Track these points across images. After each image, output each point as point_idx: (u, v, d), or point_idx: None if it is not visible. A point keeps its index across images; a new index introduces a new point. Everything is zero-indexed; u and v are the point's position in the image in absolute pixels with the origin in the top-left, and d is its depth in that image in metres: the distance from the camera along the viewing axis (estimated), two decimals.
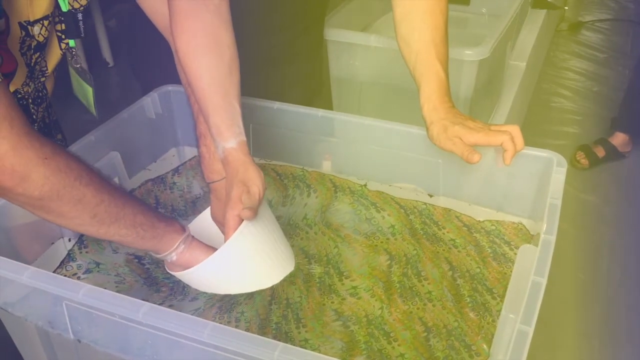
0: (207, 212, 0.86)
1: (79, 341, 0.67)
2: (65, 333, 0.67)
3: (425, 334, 0.76)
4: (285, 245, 0.79)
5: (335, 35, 1.29)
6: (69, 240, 0.85)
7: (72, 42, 0.81)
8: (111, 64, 2.81)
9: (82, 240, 0.85)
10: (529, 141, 0.82)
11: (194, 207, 0.97)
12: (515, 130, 0.81)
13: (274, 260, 0.76)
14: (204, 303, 0.78)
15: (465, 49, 1.13)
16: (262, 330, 0.75)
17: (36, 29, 0.74)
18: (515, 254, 0.84)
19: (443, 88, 0.85)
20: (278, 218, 0.85)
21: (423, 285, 0.82)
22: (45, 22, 0.75)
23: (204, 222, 0.85)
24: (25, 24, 0.72)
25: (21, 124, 0.59)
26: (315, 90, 1.20)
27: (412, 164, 0.92)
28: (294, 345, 0.72)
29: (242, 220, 0.71)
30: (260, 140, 1.05)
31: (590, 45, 2.89)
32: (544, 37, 2.15)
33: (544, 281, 0.63)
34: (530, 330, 0.58)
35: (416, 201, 0.94)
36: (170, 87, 1.01)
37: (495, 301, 0.79)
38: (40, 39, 0.75)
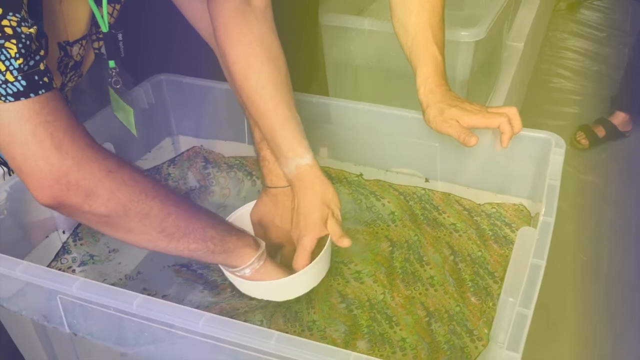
0: (245, 209, 0.84)
1: (75, 334, 0.66)
2: (60, 327, 0.66)
3: (427, 318, 0.76)
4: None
5: (330, 19, 1.28)
6: (63, 232, 0.84)
7: (112, 63, 0.80)
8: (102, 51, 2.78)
9: (76, 232, 0.84)
10: (529, 122, 0.82)
11: (188, 198, 0.96)
12: (512, 112, 0.80)
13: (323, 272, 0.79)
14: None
15: (461, 30, 1.11)
16: (275, 309, 0.76)
17: (75, 49, 0.73)
18: (517, 235, 0.83)
19: (440, 71, 0.84)
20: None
21: (425, 270, 0.81)
22: (84, 42, 0.74)
23: (239, 217, 0.83)
24: (65, 44, 0.71)
25: (83, 136, 0.57)
26: (311, 76, 1.19)
27: (409, 148, 0.91)
28: (302, 325, 0.75)
29: (315, 241, 0.72)
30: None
31: (589, 24, 2.86)
32: (542, 17, 2.13)
33: (543, 263, 0.63)
34: (530, 313, 0.57)
35: (415, 187, 0.94)
36: (162, 77, 1.00)
37: (496, 285, 0.79)
38: (78, 58, 0.75)
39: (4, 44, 0.52)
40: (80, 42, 0.73)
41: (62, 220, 0.84)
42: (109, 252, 0.84)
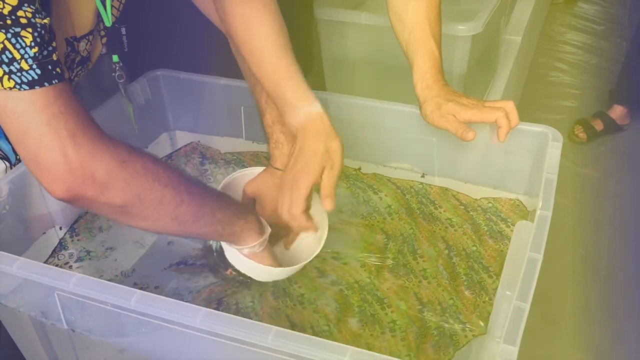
0: (242, 173, 0.84)
1: (73, 331, 0.66)
2: (58, 323, 0.66)
3: (420, 307, 0.76)
4: None
5: (327, 13, 1.27)
6: (60, 228, 0.84)
7: (115, 58, 0.81)
8: (103, 50, 2.77)
9: (73, 228, 0.84)
10: (527, 117, 0.81)
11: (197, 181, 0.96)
12: (509, 106, 0.80)
13: None
14: None
15: (457, 24, 1.11)
16: (263, 288, 0.79)
17: (82, 45, 0.73)
18: (512, 230, 0.84)
19: (436, 65, 0.84)
20: None
21: (418, 263, 0.82)
22: (90, 37, 0.74)
23: (234, 183, 0.84)
24: (72, 40, 0.71)
25: (94, 128, 0.57)
26: (307, 70, 1.18)
27: (406, 143, 0.91)
28: (292, 300, 0.78)
29: (312, 187, 0.70)
30: (252, 123, 1.04)
31: (587, 18, 2.86)
32: (539, 11, 2.13)
33: (540, 257, 0.63)
34: (527, 307, 0.57)
35: (412, 181, 0.94)
36: (159, 72, 1.00)
37: (491, 279, 0.79)
38: (85, 53, 0.75)
39: (19, 32, 0.52)
40: (87, 37, 0.73)
41: (59, 216, 0.84)
42: (105, 249, 0.83)
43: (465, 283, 0.79)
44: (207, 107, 1.02)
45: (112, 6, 0.75)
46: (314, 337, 0.54)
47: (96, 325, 0.65)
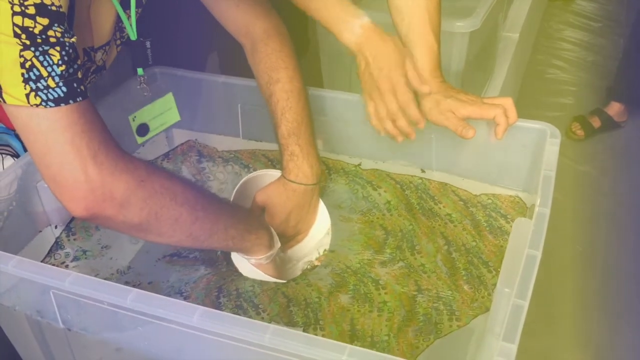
0: (261, 176, 0.87)
1: (69, 330, 0.66)
2: (54, 322, 0.66)
3: (416, 293, 0.77)
4: None
5: None
6: (55, 227, 0.84)
7: (140, 71, 0.82)
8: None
9: (69, 227, 0.84)
10: (524, 113, 0.81)
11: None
12: (508, 102, 0.80)
13: None
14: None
15: (455, 21, 1.10)
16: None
17: (98, 55, 0.73)
18: (512, 226, 0.83)
19: (435, 61, 0.83)
20: None
21: (416, 259, 0.82)
22: (107, 48, 0.75)
23: (252, 182, 0.86)
24: (89, 50, 0.71)
25: (115, 146, 0.58)
26: (302, 53, 1.18)
27: (405, 139, 0.91)
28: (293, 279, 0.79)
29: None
30: (249, 121, 1.04)
31: (585, 15, 2.85)
32: (537, 8, 2.12)
33: (538, 254, 0.62)
34: (525, 304, 0.57)
35: (412, 176, 0.94)
36: (156, 69, 0.99)
37: (490, 274, 0.79)
38: (100, 63, 0.75)
39: (48, 50, 0.53)
40: (104, 47, 0.74)
41: (55, 215, 0.83)
42: (102, 248, 0.83)
43: (465, 277, 0.79)
44: (205, 105, 1.01)
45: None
46: (311, 336, 0.54)
47: (92, 324, 0.65)
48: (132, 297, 0.58)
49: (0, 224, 0.77)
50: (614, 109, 2.12)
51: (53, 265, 0.79)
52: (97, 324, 0.65)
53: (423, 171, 0.96)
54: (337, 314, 0.74)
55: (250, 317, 0.72)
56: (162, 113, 0.96)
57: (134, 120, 0.92)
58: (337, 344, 0.53)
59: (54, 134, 0.54)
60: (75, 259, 0.81)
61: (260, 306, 0.74)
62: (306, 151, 0.82)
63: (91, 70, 0.76)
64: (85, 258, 0.81)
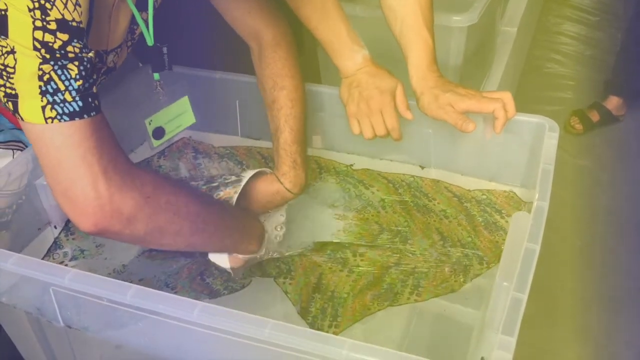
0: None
1: (69, 327, 0.66)
2: (54, 320, 0.66)
3: (392, 265, 0.80)
4: None
5: None
6: (55, 227, 0.84)
7: (156, 76, 0.83)
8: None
9: (68, 227, 0.84)
10: (523, 108, 0.81)
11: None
12: (507, 96, 0.79)
13: None
14: None
15: (453, 15, 1.10)
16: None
17: (110, 57, 0.74)
18: (507, 222, 0.84)
19: (431, 56, 0.83)
20: None
21: (406, 249, 0.82)
22: (119, 50, 0.75)
23: None
24: (102, 52, 0.72)
25: (124, 161, 0.59)
26: (303, 63, 1.18)
27: (403, 135, 0.91)
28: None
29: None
30: (247, 117, 1.04)
31: (583, 8, 2.85)
32: (535, 2, 2.12)
33: (537, 248, 0.62)
34: (524, 298, 0.57)
35: (404, 174, 0.94)
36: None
37: (480, 266, 0.79)
38: (111, 64, 0.76)
39: (66, 65, 0.54)
40: (116, 50, 0.74)
41: (54, 215, 0.83)
42: (97, 246, 0.83)
43: (450, 263, 0.80)
44: (203, 103, 1.01)
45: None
46: (311, 330, 0.54)
47: (92, 321, 0.65)
48: (132, 293, 0.58)
49: (9, 217, 0.77)
50: (613, 102, 2.12)
51: None
52: (97, 321, 0.65)
53: (422, 167, 0.96)
54: (308, 268, 0.78)
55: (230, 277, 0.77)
56: (177, 116, 0.96)
57: (150, 124, 0.93)
58: (337, 339, 0.53)
59: (66, 149, 0.55)
60: (74, 258, 0.81)
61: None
62: (305, 160, 0.85)
63: (102, 71, 0.76)
64: (83, 257, 0.81)
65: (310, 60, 1.26)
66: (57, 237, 0.83)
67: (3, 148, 0.81)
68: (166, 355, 0.66)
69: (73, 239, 0.83)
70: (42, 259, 0.80)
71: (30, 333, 0.75)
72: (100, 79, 0.77)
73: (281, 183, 0.83)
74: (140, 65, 0.99)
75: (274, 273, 0.80)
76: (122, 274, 0.80)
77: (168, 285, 0.78)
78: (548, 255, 0.66)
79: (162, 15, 0.80)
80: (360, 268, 0.79)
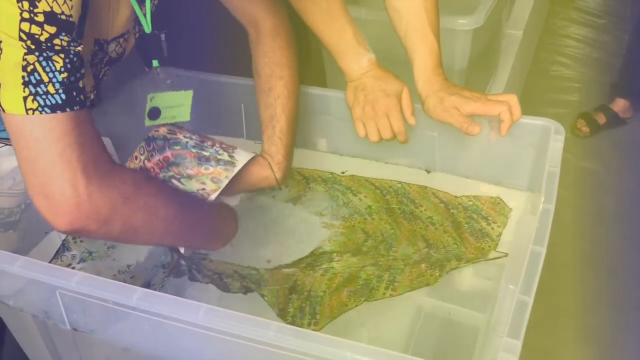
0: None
1: (76, 330, 0.66)
2: (61, 323, 0.66)
3: (369, 265, 0.79)
4: None
5: None
6: None
7: (155, 63, 0.83)
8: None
9: None
10: (529, 111, 0.81)
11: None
12: (512, 99, 0.79)
13: None
14: None
15: (458, 18, 1.10)
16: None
17: (111, 46, 0.73)
18: (493, 229, 0.84)
19: (436, 59, 0.84)
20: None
21: (389, 256, 0.82)
22: (121, 40, 0.75)
23: None
24: (103, 42, 0.72)
25: (105, 161, 0.58)
26: (309, 67, 1.18)
27: (408, 138, 0.91)
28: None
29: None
30: (252, 120, 1.04)
31: (589, 11, 2.84)
32: (541, 4, 2.12)
33: (543, 250, 0.62)
34: (530, 300, 0.57)
35: (391, 181, 0.94)
36: (158, 69, 0.99)
37: (457, 262, 0.79)
38: (114, 55, 0.75)
39: (52, 56, 0.53)
40: (117, 40, 0.74)
41: None
42: (107, 248, 0.83)
43: (428, 261, 0.79)
44: (204, 105, 1.01)
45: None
46: (315, 333, 0.54)
47: (99, 324, 0.65)
48: (138, 296, 0.58)
49: (17, 217, 0.77)
50: (619, 105, 2.11)
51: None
52: (103, 324, 0.65)
53: (428, 172, 0.95)
54: (280, 277, 0.78)
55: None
56: (177, 106, 0.96)
57: (151, 100, 0.92)
58: (342, 341, 0.53)
59: (45, 143, 0.53)
60: (82, 260, 0.81)
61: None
62: (292, 154, 0.87)
63: (104, 61, 0.76)
64: (92, 259, 0.81)
65: (315, 64, 1.26)
66: (64, 240, 0.83)
67: (10, 145, 0.81)
68: (172, 357, 0.66)
69: (81, 241, 0.83)
70: (50, 261, 0.81)
71: (37, 336, 0.75)
72: (105, 69, 0.77)
73: (273, 171, 0.84)
74: (147, 69, 0.99)
75: (242, 289, 0.76)
76: (124, 274, 0.80)
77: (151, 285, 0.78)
78: (553, 257, 0.65)
79: (163, 9, 0.80)
80: (334, 269, 0.79)
